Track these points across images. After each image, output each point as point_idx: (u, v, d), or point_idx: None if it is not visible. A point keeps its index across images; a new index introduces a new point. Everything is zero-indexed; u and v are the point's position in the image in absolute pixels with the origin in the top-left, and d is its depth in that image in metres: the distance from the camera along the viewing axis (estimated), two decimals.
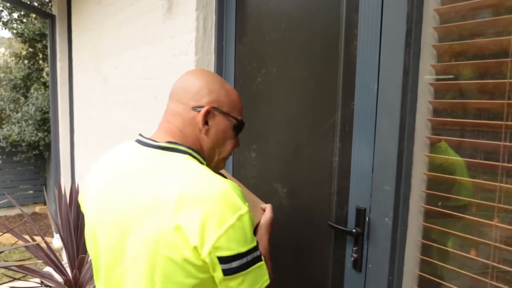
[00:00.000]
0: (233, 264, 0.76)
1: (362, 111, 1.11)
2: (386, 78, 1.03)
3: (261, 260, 0.81)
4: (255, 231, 1.07)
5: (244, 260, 0.77)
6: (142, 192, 0.81)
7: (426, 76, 0.99)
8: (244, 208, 0.77)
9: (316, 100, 1.31)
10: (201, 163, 0.90)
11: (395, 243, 1.04)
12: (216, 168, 0.99)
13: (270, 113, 1.51)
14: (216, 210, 0.75)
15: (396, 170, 1.02)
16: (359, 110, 1.12)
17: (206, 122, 0.90)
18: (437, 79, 0.98)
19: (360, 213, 1.11)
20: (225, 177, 0.86)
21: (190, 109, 0.90)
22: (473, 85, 0.91)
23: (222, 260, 0.75)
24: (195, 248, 0.74)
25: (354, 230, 1.12)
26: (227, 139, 0.95)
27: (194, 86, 0.91)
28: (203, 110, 0.89)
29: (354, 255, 1.13)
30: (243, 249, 0.76)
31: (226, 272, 0.76)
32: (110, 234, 0.85)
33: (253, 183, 1.61)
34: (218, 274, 0.76)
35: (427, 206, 1.01)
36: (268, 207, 1.11)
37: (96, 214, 0.88)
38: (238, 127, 0.96)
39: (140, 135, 0.92)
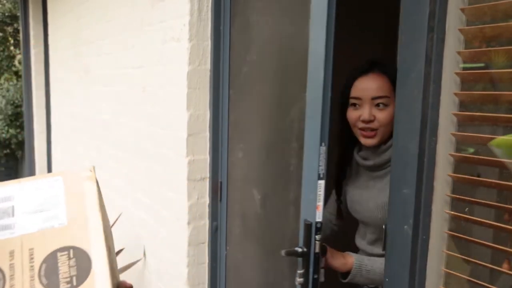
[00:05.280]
0: None
1: None
2: (405, 67, 1.03)
3: None
4: None
5: None
6: None
7: (452, 64, 0.98)
8: None
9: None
10: None
11: (415, 255, 1.03)
12: None
13: (251, 107, 1.50)
14: None
15: (416, 171, 1.01)
16: None
17: None
18: (465, 68, 0.98)
19: None
20: None
21: None
22: (507, 74, 0.90)
23: None
24: None
25: None
26: None
27: None
28: None
29: None
30: None
31: None
32: None
33: (238, 187, 1.60)
34: None
35: (452, 212, 1.00)
36: None
37: None
38: None
39: None
